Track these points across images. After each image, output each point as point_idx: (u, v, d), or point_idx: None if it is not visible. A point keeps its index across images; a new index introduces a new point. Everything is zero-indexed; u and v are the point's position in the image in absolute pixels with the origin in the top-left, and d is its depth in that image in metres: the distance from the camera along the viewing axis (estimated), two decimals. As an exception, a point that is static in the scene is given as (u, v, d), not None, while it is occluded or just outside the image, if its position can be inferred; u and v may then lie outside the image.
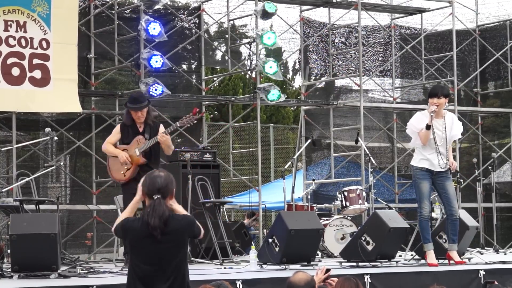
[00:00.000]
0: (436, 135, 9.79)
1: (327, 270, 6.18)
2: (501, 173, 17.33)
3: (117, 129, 10.27)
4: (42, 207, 11.17)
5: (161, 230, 5.55)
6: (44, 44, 12.29)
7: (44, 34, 12.30)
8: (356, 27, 15.41)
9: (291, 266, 9.52)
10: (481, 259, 10.61)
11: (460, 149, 16.19)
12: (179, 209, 5.76)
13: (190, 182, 10.82)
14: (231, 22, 15.60)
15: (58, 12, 12.39)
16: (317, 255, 11.08)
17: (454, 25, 16.05)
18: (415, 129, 9.86)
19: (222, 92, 25.22)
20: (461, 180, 13.17)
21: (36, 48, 12.23)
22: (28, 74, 12.14)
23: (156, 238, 5.56)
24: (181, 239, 5.67)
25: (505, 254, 12.72)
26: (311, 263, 9.68)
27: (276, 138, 23.37)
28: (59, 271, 8.55)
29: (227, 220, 14.07)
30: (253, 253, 9.75)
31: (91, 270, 9.29)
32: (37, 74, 12.21)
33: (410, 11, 16.67)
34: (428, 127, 9.73)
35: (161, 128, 10.12)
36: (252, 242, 12.58)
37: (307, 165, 16.36)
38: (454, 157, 14.73)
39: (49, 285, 7.99)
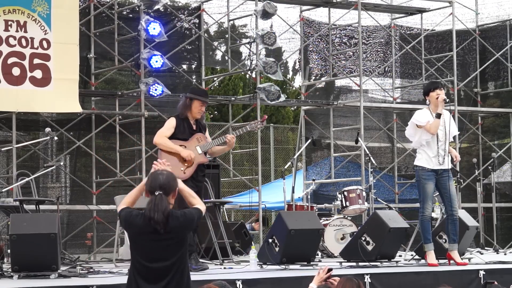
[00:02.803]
0: (438, 131, 9.83)
1: (329, 270, 6.18)
2: (501, 173, 17.32)
3: (172, 123, 9.76)
4: (42, 207, 11.16)
5: (164, 225, 5.56)
6: (44, 44, 12.28)
7: (45, 34, 12.29)
8: (356, 27, 15.41)
9: (291, 266, 9.53)
10: (481, 259, 10.61)
11: (460, 149, 16.16)
12: (191, 194, 5.82)
13: (190, 182, 10.80)
14: (231, 22, 15.59)
15: (59, 12, 12.38)
16: (317, 255, 11.07)
17: (454, 25, 16.04)
18: (421, 123, 9.85)
19: (222, 92, 25.23)
20: (461, 180, 13.16)
21: (37, 48, 12.22)
22: (29, 74, 12.13)
23: (157, 235, 5.58)
24: (181, 236, 5.69)
25: (505, 254, 12.73)
26: (311, 263, 9.68)
27: (276, 138, 23.38)
28: (59, 271, 8.55)
29: (227, 220, 14.09)
30: (253, 253, 9.75)
31: (91, 270, 9.29)
32: (38, 74, 12.19)
33: (410, 11, 16.66)
34: (438, 115, 9.77)
35: (206, 127, 9.96)
36: (253, 242, 12.59)
37: (307, 165, 16.34)
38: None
39: (49, 285, 7.98)
